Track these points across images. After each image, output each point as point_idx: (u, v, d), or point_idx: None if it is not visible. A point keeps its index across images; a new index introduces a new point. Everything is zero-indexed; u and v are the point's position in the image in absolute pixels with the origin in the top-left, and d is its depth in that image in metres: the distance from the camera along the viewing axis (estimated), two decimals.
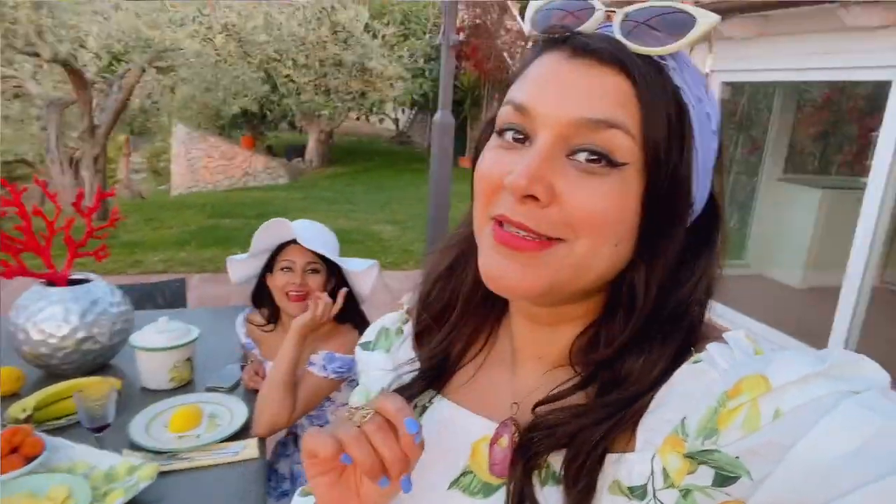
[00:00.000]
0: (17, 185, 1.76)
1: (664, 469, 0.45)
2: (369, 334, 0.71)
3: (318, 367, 1.56)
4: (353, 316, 1.70)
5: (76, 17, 6.31)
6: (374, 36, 8.86)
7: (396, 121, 18.11)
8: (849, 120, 6.96)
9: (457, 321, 0.62)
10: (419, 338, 0.65)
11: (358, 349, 0.71)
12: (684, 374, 0.47)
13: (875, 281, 3.74)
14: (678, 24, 0.46)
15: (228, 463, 1.37)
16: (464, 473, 0.56)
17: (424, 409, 0.61)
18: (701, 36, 0.46)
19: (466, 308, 0.61)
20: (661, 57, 0.46)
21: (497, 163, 0.49)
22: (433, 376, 0.62)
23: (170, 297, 2.49)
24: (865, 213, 3.54)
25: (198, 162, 14.39)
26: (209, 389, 1.71)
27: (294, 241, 1.63)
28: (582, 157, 0.46)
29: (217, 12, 7.30)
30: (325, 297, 1.53)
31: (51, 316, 1.63)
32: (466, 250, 0.60)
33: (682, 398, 0.46)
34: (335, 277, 1.68)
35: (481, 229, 0.51)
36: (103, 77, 8.02)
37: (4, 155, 11.51)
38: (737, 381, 0.43)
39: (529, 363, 0.57)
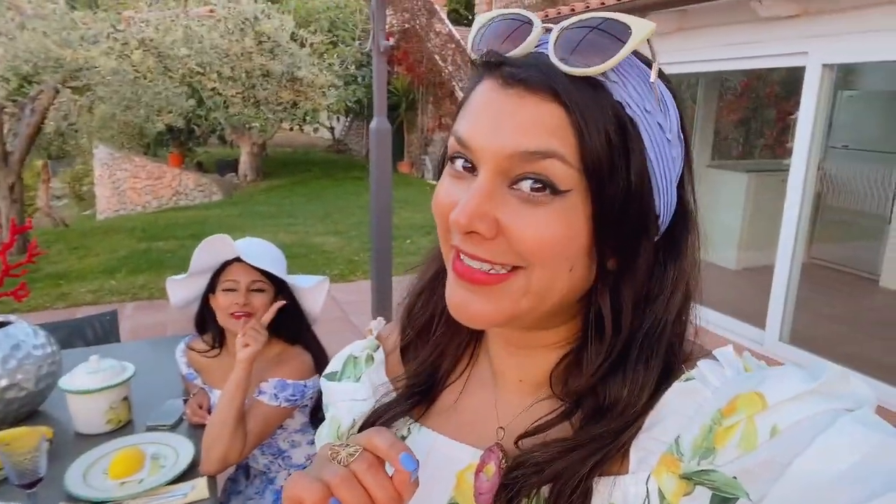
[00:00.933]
0: None
1: (659, 490, 0.45)
2: (335, 364, 0.68)
3: (269, 396, 1.48)
4: (304, 337, 1.63)
5: None
6: (302, 45, 8.67)
7: (332, 129, 17.84)
8: (767, 105, 7.34)
9: (441, 336, 0.60)
10: (404, 353, 0.63)
11: (323, 380, 0.68)
12: (676, 393, 0.47)
13: (804, 257, 3.94)
14: (613, 36, 0.44)
15: None
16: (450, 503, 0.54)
17: (403, 438, 0.59)
18: (634, 47, 0.44)
19: (449, 322, 0.58)
20: (600, 73, 0.44)
21: (448, 194, 0.49)
22: (420, 392, 0.60)
23: (100, 332, 2.33)
24: (791, 193, 3.72)
25: (123, 184, 13.72)
26: (150, 429, 1.60)
27: (237, 260, 1.54)
28: (526, 185, 0.45)
29: (132, 27, 6.95)
30: (256, 324, 1.45)
31: None
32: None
33: (675, 417, 0.46)
34: (283, 296, 1.60)
35: (447, 257, 0.51)
36: (13, 100, 7.51)
37: None
38: (731, 398, 0.43)
39: (511, 386, 0.56)
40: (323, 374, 0.68)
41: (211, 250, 1.53)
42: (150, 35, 6.86)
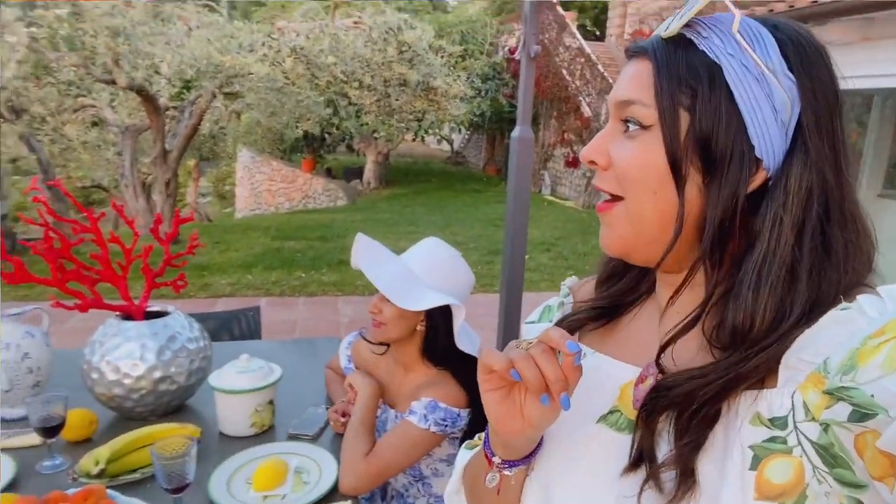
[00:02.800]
0: (93, 210, 1.65)
1: (804, 403, 0.48)
2: (534, 315, 0.79)
3: (419, 417, 1.35)
4: (448, 362, 1.46)
5: (151, 45, 6.48)
6: (438, 55, 8.81)
7: (451, 141, 18.08)
8: None
9: (625, 276, 0.69)
10: (599, 285, 0.72)
11: (524, 325, 0.79)
12: (831, 319, 0.49)
13: None
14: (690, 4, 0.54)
15: None
16: (611, 411, 0.62)
17: None
18: (695, 12, 0.53)
19: (628, 266, 0.68)
20: (685, 33, 0.54)
21: None
22: (602, 309, 0.69)
23: (245, 328, 2.36)
24: None
25: (260, 185, 14.73)
26: (291, 437, 1.53)
27: None
28: (629, 126, 0.56)
29: (286, 36, 7.38)
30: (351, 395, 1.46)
31: (126, 354, 1.49)
32: None
33: (827, 341, 0.48)
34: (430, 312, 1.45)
35: None
36: (175, 104, 8.25)
37: (82, 180, 12.07)
38: (882, 324, 0.45)
39: (671, 316, 0.60)
40: (525, 321, 0.79)
41: (365, 251, 1.44)
42: (300, 44, 7.23)
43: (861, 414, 0.44)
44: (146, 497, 1.22)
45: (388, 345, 1.51)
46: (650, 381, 0.58)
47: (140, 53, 6.32)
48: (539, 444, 0.64)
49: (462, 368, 1.44)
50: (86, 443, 1.46)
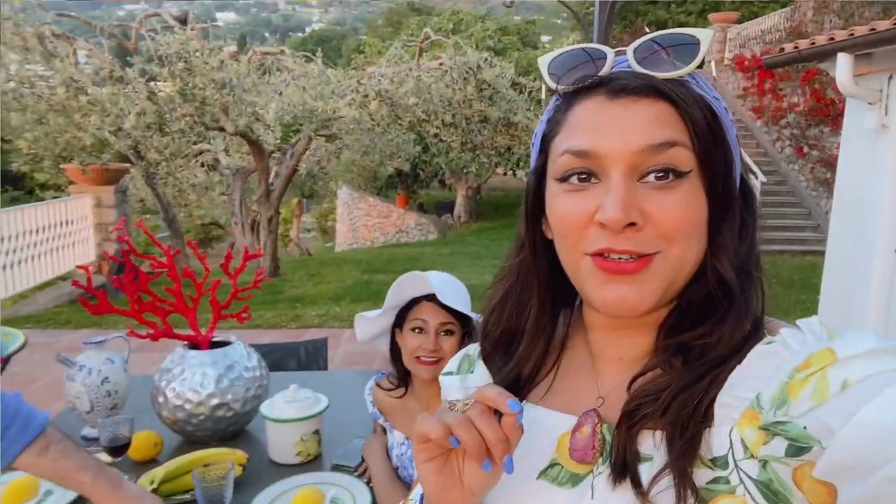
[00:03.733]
0: (170, 248, 1.81)
1: (742, 440, 0.48)
2: (451, 365, 0.75)
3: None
4: None
5: (254, 95, 7.08)
6: (520, 91, 8.92)
7: None
8: None
9: (526, 347, 0.65)
10: (487, 363, 0.69)
11: (441, 378, 0.75)
12: (758, 355, 0.51)
13: None
14: (686, 45, 0.53)
15: None
16: (551, 465, 0.59)
17: None
18: (706, 49, 0.53)
19: (535, 333, 0.65)
20: (682, 76, 0.54)
21: (574, 204, 0.55)
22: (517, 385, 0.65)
23: (312, 356, 2.46)
24: None
25: (358, 220, 15.43)
26: (335, 468, 1.57)
27: (426, 298, 1.45)
28: (651, 177, 0.52)
29: (372, 80, 7.80)
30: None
31: (188, 380, 1.61)
32: (524, 281, 0.65)
33: (756, 376, 0.50)
34: (468, 337, 1.47)
35: (577, 266, 0.57)
36: (278, 147, 8.91)
37: (203, 217, 13.26)
38: (807, 356, 0.47)
39: (611, 365, 0.61)
40: (441, 373, 0.75)
41: (405, 286, 1.46)
42: (385, 86, 7.62)
43: (797, 448, 0.45)
44: None
45: (405, 386, 1.53)
46: (587, 429, 0.57)
47: (244, 102, 6.91)
48: None
49: None
50: (151, 463, 1.58)
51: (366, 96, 7.49)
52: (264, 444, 1.65)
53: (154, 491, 1.37)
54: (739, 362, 0.51)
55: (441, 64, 7.85)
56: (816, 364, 0.46)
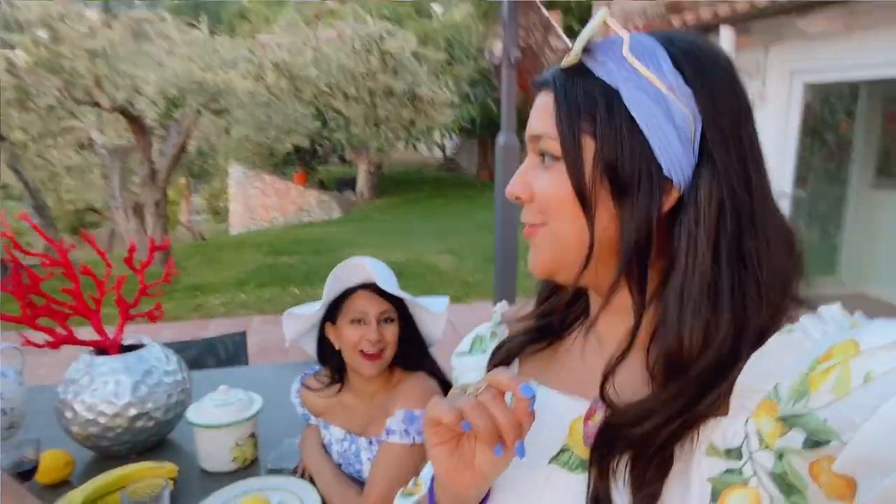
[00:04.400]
0: (62, 242, 1.60)
1: (758, 431, 0.48)
2: (464, 345, 0.77)
3: (399, 434, 1.30)
4: (424, 363, 1.44)
5: (132, 66, 6.44)
6: (421, 63, 8.79)
7: (443, 147, 18.07)
8: None
9: (555, 300, 0.68)
10: (539, 305, 0.70)
11: (454, 357, 0.77)
12: (777, 344, 0.49)
13: None
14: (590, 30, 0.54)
15: None
16: (562, 450, 0.59)
17: None
18: (586, 38, 0.53)
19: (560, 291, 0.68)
20: (584, 60, 0.54)
21: None
22: (542, 332, 0.68)
23: (231, 352, 2.31)
24: None
25: (254, 200, 14.70)
26: (270, 471, 1.47)
27: (361, 287, 1.38)
28: (544, 157, 0.57)
29: (267, 51, 7.35)
30: None
31: (100, 391, 1.44)
32: None
33: (775, 366, 0.48)
34: (404, 323, 1.42)
35: None
36: (161, 123, 8.22)
37: (76, 203, 12.02)
38: (829, 347, 0.46)
39: (611, 345, 0.59)
40: (454, 353, 0.77)
41: (342, 276, 1.38)
42: (283, 57, 7.21)
43: (815, 441, 0.44)
44: None
45: (340, 383, 1.47)
46: (599, 416, 0.56)
47: (121, 74, 6.28)
48: (488, 493, 0.62)
49: (432, 361, 1.43)
50: (63, 485, 1.41)
51: (261, 67, 7.04)
52: (192, 453, 1.52)
53: None
54: (754, 349, 0.50)
55: (340, 34, 7.54)
56: (838, 355, 0.45)
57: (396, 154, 16.69)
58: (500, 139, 3.37)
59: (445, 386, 1.43)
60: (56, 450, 1.43)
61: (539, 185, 0.57)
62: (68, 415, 1.44)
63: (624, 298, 0.56)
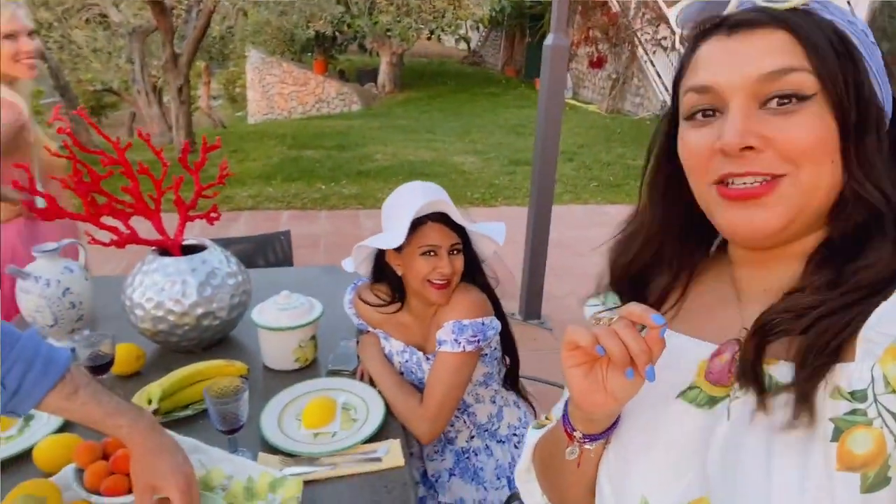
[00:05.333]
0: (119, 141, 1.58)
1: (884, 376, 0.48)
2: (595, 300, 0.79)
3: (451, 344, 1.34)
4: (476, 278, 1.46)
5: None
6: None
7: (468, 40, 17.20)
8: None
9: (654, 281, 0.71)
10: (615, 285, 0.74)
11: (586, 308, 0.78)
12: None
13: None
14: None
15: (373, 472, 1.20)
16: (690, 388, 0.62)
17: None
18: None
19: (661, 267, 0.70)
20: (804, 4, 0.55)
21: (700, 138, 0.59)
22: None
23: (280, 252, 2.35)
24: None
25: (272, 88, 14.30)
26: (330, 373, 1.54)
27: (429, 218, 1.36)
28: (773, 104, 0.55)
29: None
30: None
31: (167, 290, 1.48)
32: (650, 220, 0.70)
33: None
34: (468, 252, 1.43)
35: (704, 198, 0.61)
36: (181, 3, 7.85)
37: (93, 84, 11.80)
38: None
39: (756, 296, 0.62)
40: (586, 303, 0.79)
41: (407, 206, 1.35)
42: None
43: None
44: (198, 433, 1.24)
45: (400, 301, 1.48)
46: (727, 356, 0.60)
47: None
48: (618, 419, 0.66)
49: (484, 276, 1.47)
50: (135, 376, 1.49)
51: None
52: (253, 351, 1.59)
53: (154, 411, 1.30)
54: (886, 298, 0.51)
55: None
56: None
57: (418, 44, 15.93)
58: (549, 39, 3.18)
59: (493, 300, 1.45)
60: (128, 343, 1.50)
61: (786, 130, 0.54)
62: (138, 312, 1.49)
63: (780, 251, 0.60)
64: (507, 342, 1.53)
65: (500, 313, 1.46)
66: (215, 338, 1.59)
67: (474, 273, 1.46)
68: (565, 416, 0.67)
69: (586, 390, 0.59)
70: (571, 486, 0.72)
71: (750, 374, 0.55)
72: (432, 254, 1.34)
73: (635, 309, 0.55)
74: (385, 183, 6.28)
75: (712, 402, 0.59)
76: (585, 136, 8.94)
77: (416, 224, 1.34)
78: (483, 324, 1.37)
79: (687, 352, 0.64)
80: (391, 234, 1.36)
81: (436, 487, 1.51)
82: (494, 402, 1.55)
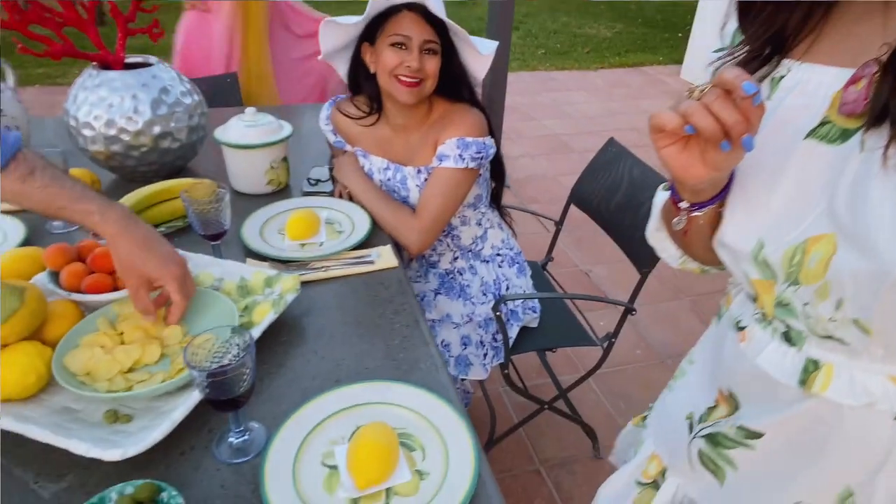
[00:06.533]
0: None
1: None
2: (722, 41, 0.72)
3: (454, 159, 1.31)
4: (468, 95, 1.40)
5: None
6: None
7: None
8: None
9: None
10: (742, 17, 0.64)
11: (710, 54, 0.71)
12: None
13: None
14: None
15: (367, 273, 1.18)
16: (822, 123, 0.57)
17: (781, 78, 0.62)
18: None
19: None
20: None
21: None
22: (769, 53, 0.62)
23: (230, 94, 2.16)
24: None
25: None
26: (307, 193, 1.47)
27: (407, 7, 1.25)
28: None
29: None
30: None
31: (118, 106, 1.33)
32: None
33: None
34: (445, 56, 1.34)
35: None
36: None
37: None
38: None
39: None
40: (711, 52, 0.70)
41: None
42: None
43: None
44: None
45: (378, 112, 1.41)
46: (864, 81, 0.53)
47: None
48: (728, 183, 0.63)
49: (475, 96, 1.41)
50: None
51: None
52: (220, 176, 1.49)
53: None
54: None
55: None
56: None
57: None
58: None
59: (488, 121, 1.41)
60: (80, 168, 1.37)
61: None
62: (87, 132, 1.35)
63: None
64: (497, 166, 1.51)
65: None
66: (176, 164, 1.47)
67: (466, 91, 1.38)
68: (672, 187, 0.66)
69: (684, 165, 0.56)
70: (687, 246, 0.75)
71: (885, 95, 0.50)
72: (402, 47, 1.26)
73: (727, 75, 0.50)
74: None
75: (845, 135, 0.55)
76: (530, 6, 8.60)
77: (392, 12, 1.25)
78: (484, 143, 1.34)
79: (817, 85, 0.59)
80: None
81: (422, 306, 1.52)
82: (480, 224, 1.54)
